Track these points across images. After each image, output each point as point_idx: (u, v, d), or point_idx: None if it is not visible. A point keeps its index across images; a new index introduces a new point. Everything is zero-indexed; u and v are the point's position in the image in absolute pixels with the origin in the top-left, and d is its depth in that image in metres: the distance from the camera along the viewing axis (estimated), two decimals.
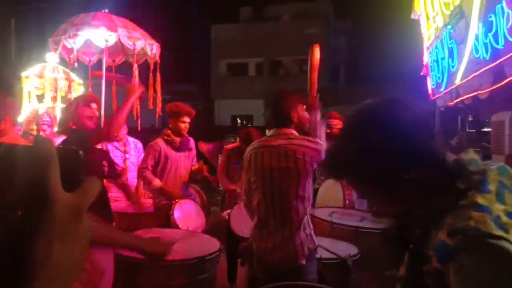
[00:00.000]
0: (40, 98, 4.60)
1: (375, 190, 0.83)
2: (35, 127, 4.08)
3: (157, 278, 2.07)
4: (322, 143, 2.15)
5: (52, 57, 4.60)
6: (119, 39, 4.66)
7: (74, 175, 0.39)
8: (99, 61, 5.33)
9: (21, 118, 4.23)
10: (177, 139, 3.39)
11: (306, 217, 2.09)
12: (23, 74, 4.61)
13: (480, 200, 0.68)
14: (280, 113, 2.16)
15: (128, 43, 4.77)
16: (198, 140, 3.88)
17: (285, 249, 2.03)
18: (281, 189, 2.05)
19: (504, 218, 0.65)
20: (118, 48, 4.93)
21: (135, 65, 4.94)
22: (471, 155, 0.77)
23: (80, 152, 0.40)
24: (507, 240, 0.62)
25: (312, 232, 2.13)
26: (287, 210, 2.05)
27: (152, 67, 5.08)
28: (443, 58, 5.75)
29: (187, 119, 3.37)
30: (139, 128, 4.52)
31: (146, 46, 4.93)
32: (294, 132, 2.14)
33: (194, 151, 3.64)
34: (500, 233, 0.63)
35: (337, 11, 23.82)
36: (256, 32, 22.02)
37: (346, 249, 2.47)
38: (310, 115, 2.23)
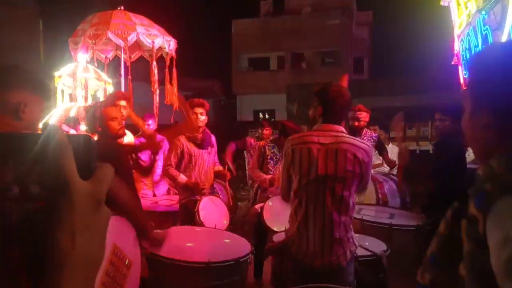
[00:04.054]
0: (72, 97, 4.72)
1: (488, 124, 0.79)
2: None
3: (193, 279, 2.07)
4: (370, 146, 2.07)
5: (82, 57, 4.72)
6: (138, 37, 4.72)
7: (88, 162, 0.38)
8: (115, 58, 5.42)
9: (55, 117, 4.32)
10: (198, 135, 3.38)
11: (349, 219, 1.96)
12: (56, 73, 4.71)
13: None
14: (338, 108, 1.96)
15: (147, 41, 4.83)
16: (219, 136, 3.83)
17: (328, 256, 1.91)
18: (328, 191, 1.89)
19: None
20: (134, 44, 4.99)
21: (154, 63, 5.00)
22: None
23: (92, 139, 0.39)
24: None
25: (353, 233, 2.01)
26: (331, 212, 1.89)
27: (168, 62, 5.11)
28: (476, 46, 5.50)
29: (199, 110, 3.33)
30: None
31: (164, 43, 4.97)
32: (343, 129, 1.98)
33: (215, 148, 3.63)
34: None
35: (359, 1, 23.30)
36: (277, 25, 21.83)
37: (375, 245, 2.40)
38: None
